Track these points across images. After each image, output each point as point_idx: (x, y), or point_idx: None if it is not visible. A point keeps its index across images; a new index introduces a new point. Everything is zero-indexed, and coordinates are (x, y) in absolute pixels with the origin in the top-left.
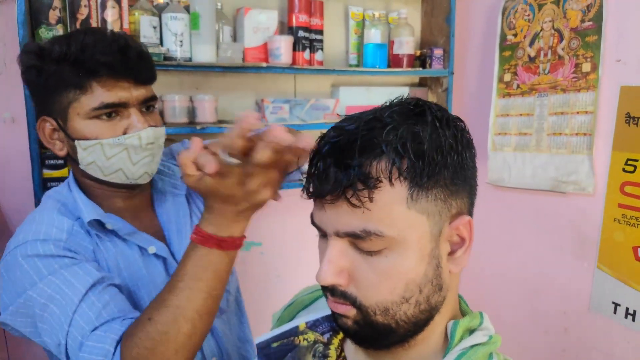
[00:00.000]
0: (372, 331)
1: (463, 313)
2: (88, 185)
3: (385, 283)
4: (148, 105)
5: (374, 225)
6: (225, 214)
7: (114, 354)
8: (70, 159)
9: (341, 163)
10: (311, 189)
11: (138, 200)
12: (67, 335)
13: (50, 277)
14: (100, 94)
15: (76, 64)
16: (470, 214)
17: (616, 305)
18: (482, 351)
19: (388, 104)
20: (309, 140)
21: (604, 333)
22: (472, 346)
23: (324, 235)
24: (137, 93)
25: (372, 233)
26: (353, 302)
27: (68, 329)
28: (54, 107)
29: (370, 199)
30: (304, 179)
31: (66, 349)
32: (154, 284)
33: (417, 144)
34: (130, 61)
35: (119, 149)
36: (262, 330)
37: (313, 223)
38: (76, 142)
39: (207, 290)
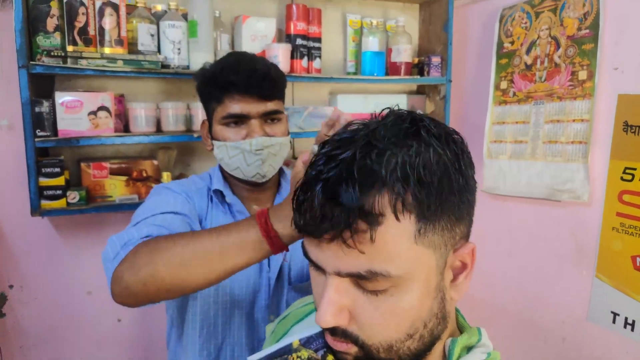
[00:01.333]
0: None
1: (460, 328)
2: (225, 174)
3: (390, 322)
4: (272, 117)
5: (379, 266)
6: (290, 209)
7: (118, 253)
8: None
9: (338, 199)
10: (304, 226)
11: (260, 196)
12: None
13: (159, 197)
14: (229, 106)
15: (216, 82)
16: (469, 234)
17: (615, 314)
18: None
19: (378, 117)
20: None
21: (603, 343)
22: None
23: (318, 268)
24: (259, 107)
25: (379, 274)
26: (355, 341)
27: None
28: (208, 114)
29: (372, 239)
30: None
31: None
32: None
33: (420, 171)
34: (255, 80)
35: (237, 151)
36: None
37: (306, 256)
38: (213, 141)
39: (212, 259)
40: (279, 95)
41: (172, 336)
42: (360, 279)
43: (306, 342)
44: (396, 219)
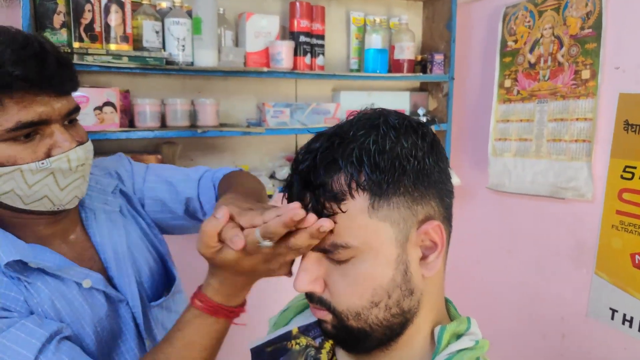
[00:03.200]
0: (348, 335)
1: (452, 318)
2: (2, 215)
3: (354, 289)
4: (71, 118)
5: (340, 239)
6: (237, 285)
7: None
8: None
9: (309, 185)
10: None
11: (66, 224)
12: None
13: None
14: (15, 112)
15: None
16: (448, 218)
17: (614, 311)
18: (469, 355)
19: (356, 116)
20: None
21: (602, 339)
22: (459, 351)
23: None
24: (59, 106)
25: (340, 246)
26: (328, 307)
27: None
28: None
29: (342, 210)
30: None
31: None
32: (98, 319)
33: (372, 156)
34: (49, 70)
35: (43, 174)
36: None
37: None
38: None
39: (202, 356)
40: (76, 86)
41: None
42: (326, 252)
43: (305, 330)
44: (351, 197)
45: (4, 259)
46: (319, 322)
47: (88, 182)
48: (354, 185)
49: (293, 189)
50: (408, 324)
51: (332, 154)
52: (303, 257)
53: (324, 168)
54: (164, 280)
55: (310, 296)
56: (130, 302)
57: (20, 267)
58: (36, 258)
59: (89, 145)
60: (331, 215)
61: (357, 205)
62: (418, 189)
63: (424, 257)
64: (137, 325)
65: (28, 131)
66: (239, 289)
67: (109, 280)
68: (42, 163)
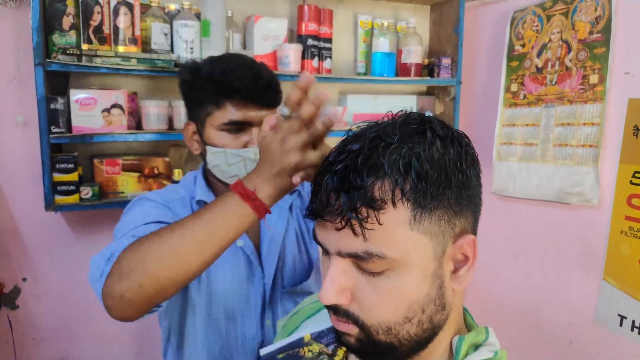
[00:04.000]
0: (374, 349)
1: (468, 327)
2: (211, 180)
3: (387, 304)
4: None
5: (376, 247)
6: (262, 173)
7: (103, 270)
8: (202, 158)
9: (345, 186)
10: (314, 210)
11: None
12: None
13: (139, 209)
14: (231, 113)
15: (216, 85)
16: (475, 231)
17: (622, 317)
18: None
19: (392, 116)
20: (336, 112)
21: (610, 346)
22: None
23: (326, 252)
24: (261, 115)
25: (375, 255)
26: (356, 321)
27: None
28: (197, 115)
29: (379, 222)
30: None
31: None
32: (230, 272)
33: (420, 164)
34: (260, 87)
35: (238, 159)
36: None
37: (315, 239)
38: (207, 147)
39: (217, 236)
40: (280, 102)
41: (169, 349)
42: (358, 259)
43: (317, 337)
44: (394, 206)
45: (198, 196)
46: (339, 334)
47: None
48: (398, 193)
49: (321, 190)
50: (434, 337)
51: (376, 157)
52: (330, 267)
53: (367, 170)
54: (302, 278)
55: (335, 308)
56: (266, 278)
57: (202, 205)
58: None
59: None
60: (363, 221)
61: (399, 215)
62: (459, 202)
63: (455, 271)
64: (263, 303)
65: (236, 127)
66: (262, 179)
67: (259, 254)
68: (238, 151)
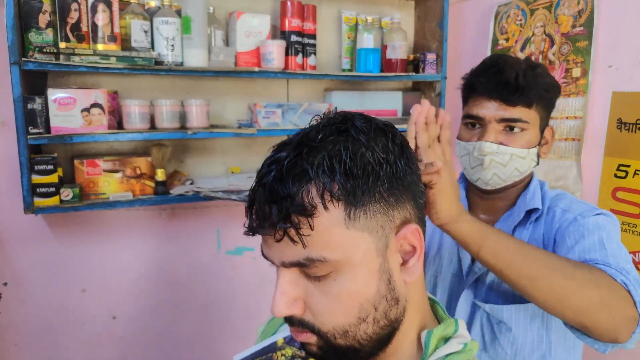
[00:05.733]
0: (337, 354)
1: (440, 319)
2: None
3: (338, 306)
4: (512, 125)
5: (316, 252)
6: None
7: None
8: None
9: (274, 197)
10: (252, 227)
11: (489, 206)
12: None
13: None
14: (470, 107)
15: (466, 81)
16: (421, 220)
17: None
18: (457, 359)
19: (318, 121)
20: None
21: None
22: (447, 355)
23: (273, 265)
24: (497, 112)
25: (316, 260)
26: (311, 329)
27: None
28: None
29: (311, 227)
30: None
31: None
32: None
33: (344, 163)
34: (499, 85)
35: (465, 151)
36: (254, 337)
37: (263, 255)
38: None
39: None
40: (527, 103)
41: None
42: (302, 267)
43: (290, 340)
44: (325, 208)
45: None
46: (303, 345)
47: (502, 178)
48: (327, 196)
49: (256, 203)
50: (395, 333)
51: (301, 163)
52: (278, 279)
53: (292, 179)
54: None
55: (290, 319)
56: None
57: None
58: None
59: (506, 149)
60: (300, 229)
61: (332, 217)
62: (393, 193)
63: (404, 263)
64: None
65: (472, 121)
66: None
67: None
68: (464, 143)
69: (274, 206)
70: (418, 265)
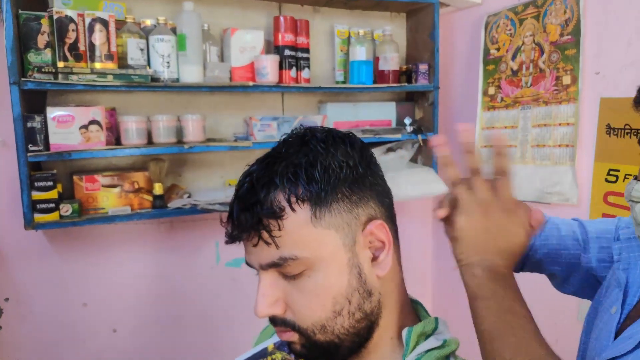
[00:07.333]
0: (319, 351)
1: (422, 320)
2: None
3: (314, 302)
4: None
5: (288, 251)
6: None
7: None
8: None
9: (246, 205)
10: (231, 236)
11: None
12: None
13: None
14: None
15: None
16: (390, 217)
17: None
18: (437, 355)
19: (286, 137)
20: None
21: None
22: (427, 351)
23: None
24: None
25: (288, 258)
26: (292, 327)
27: None
28: None
29: (279, 228)
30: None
31: None
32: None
33: (305, 170)
34: None
35: None
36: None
37: (246, 263)
38: None
39: None
40: None
41: None
42: (278, 267)
43: (280, 345)
44: (292, 210)
45: None
46: (288, 345)
47: None
48: (293, 199)
49: (234, 214)
50: (374, 327)
51: (268, 174)
52: (259, 282)
53: (262, 187)
54: None
55: (273, 320)
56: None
57: None
58: None
59: None
60: (271, 231)
61: (299, 217)
62: (355, 192)
63: (374, 258)
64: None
65: None
66: None
67: None
68: None
69: (247, 213)
70: (388, 260)
